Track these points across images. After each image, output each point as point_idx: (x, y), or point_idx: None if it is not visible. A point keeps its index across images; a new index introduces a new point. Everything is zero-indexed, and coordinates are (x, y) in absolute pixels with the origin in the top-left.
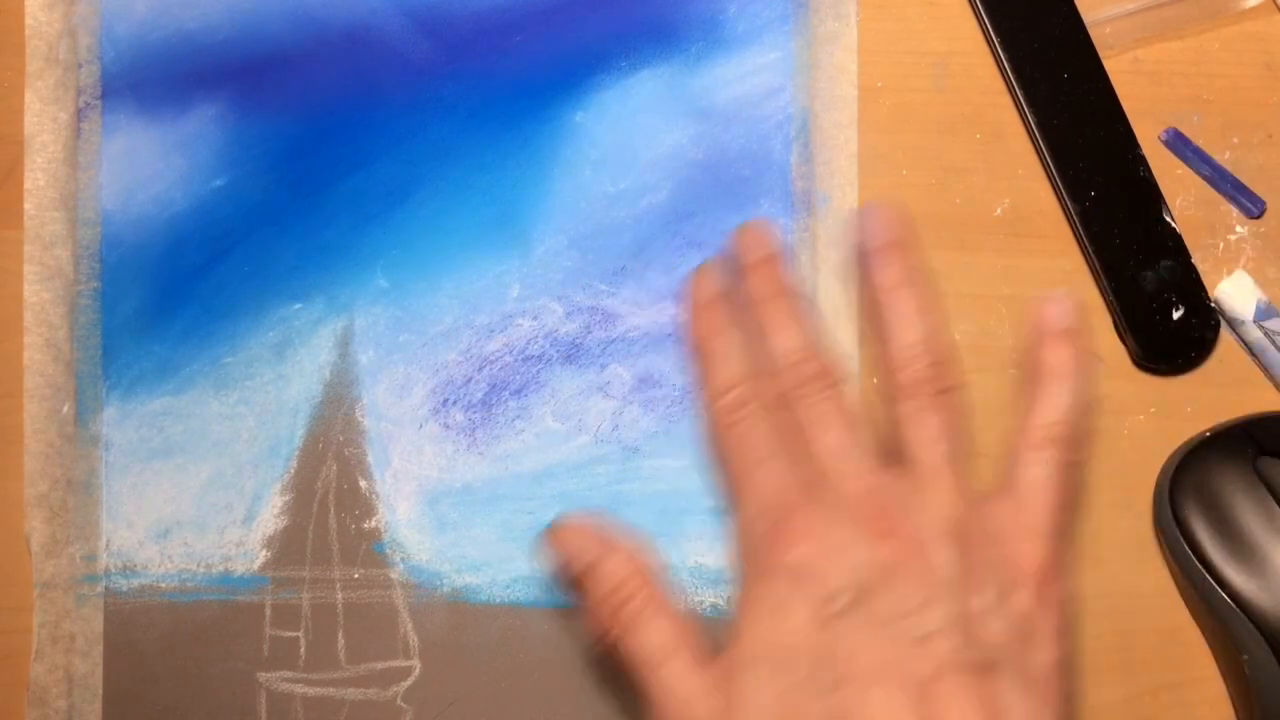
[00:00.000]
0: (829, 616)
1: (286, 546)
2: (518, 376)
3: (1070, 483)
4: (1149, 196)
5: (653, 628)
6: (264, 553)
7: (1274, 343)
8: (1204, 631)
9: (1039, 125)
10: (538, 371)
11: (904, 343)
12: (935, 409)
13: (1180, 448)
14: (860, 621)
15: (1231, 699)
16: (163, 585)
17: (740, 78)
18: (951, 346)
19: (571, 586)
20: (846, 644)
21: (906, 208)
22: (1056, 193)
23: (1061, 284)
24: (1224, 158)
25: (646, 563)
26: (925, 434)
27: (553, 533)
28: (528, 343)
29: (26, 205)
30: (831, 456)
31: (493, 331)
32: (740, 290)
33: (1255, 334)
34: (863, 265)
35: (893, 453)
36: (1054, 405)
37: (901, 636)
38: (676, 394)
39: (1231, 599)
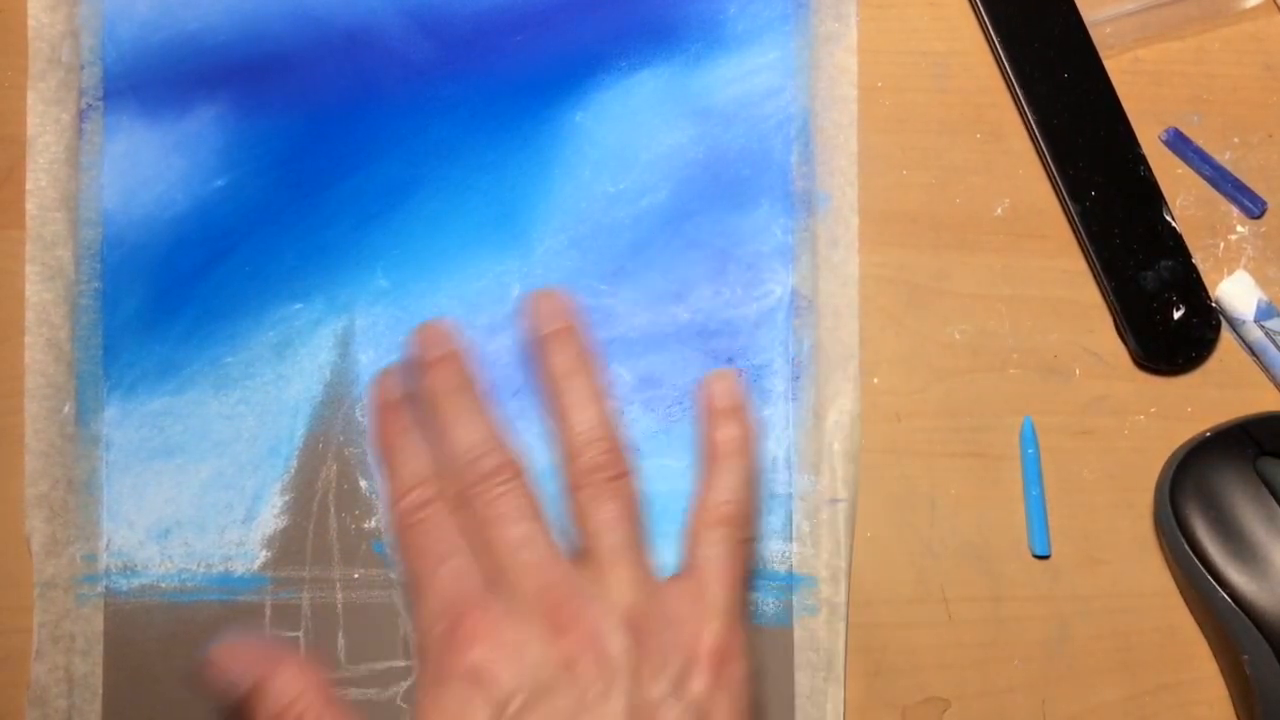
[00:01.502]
0: (507, 719)
1: (286, 546)
2: (518, 376)
3: (744, 560)
4: (1149, 196)
5: None
6: (264, 553)
7: (1274, 342)
8: (1204, 631)
9: (1039, 125)
10: None
11: (576, 430)
12: (609, 496)
13: (1180, 448)
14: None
15: (1231, 699)
16: (163, 585)
17: (740, 78)
18: (623, 433)
19: (237, 711)
20: None
21: (570, 296)
22: (1056, 193)
23: (1061, 284)
24: (1224, 158)
25: (311, 675)
26: (600, 521)
27: (211, 662)
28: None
29: (28, 205)
30: (511, 551)
31: (493, 331)
32: (422, 390)
33: (1255, 334)
34: (533, 352)
35: (571, 544)
36: (724, 484)
37: None
38: (676, 394)
39: (1231, 599)
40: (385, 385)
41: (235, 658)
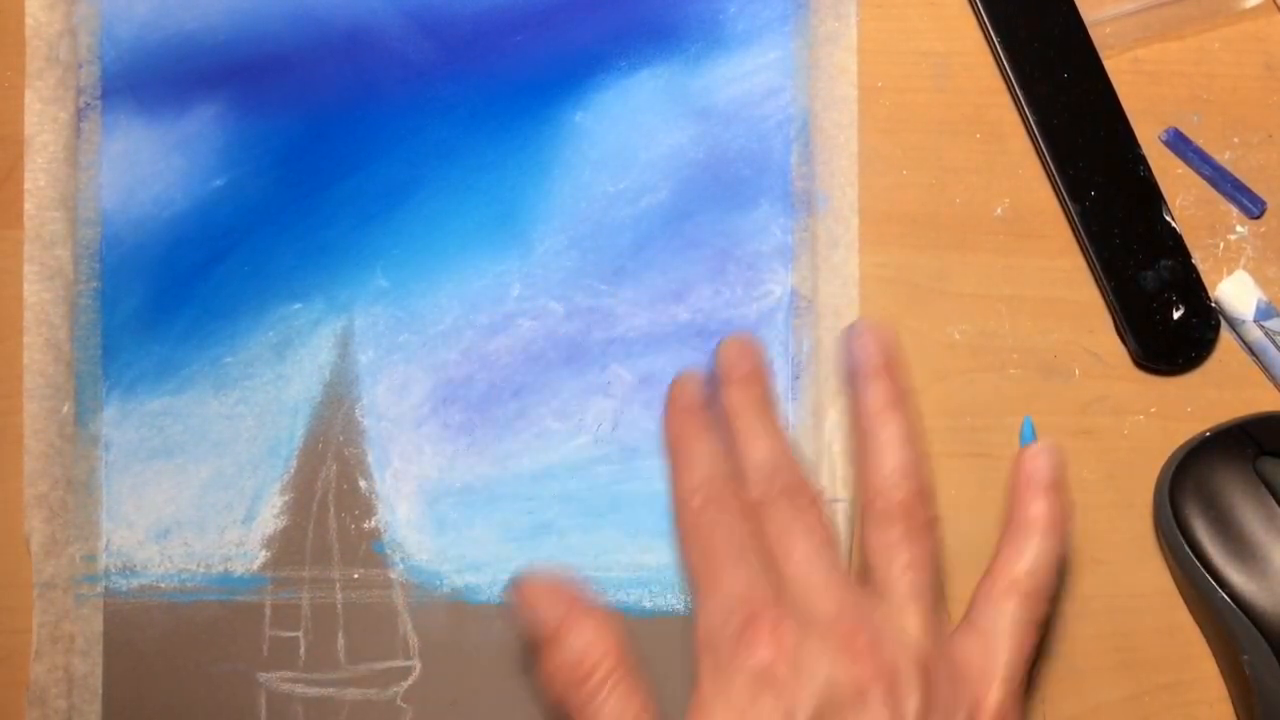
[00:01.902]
0: None
1: (286, 546)
2: (518, 376)
3: (1033, 637)
4: (1149, 196)
5: (611, 703)
6: (264, 553)
7: (1274, 342)
8: (1204, 631)
9: (1039, 125)
10: (538, 371)
11: (887, 469)
12: (913, 539)
13: (1180, 448)
14: None
15: (1231, 699)
16: (163, 585)
17: (740, 78)
18: (932, 478)
19: (534, 646)
20: None
21: (893, 329)
22: (1056, 193)
23: (1061, 284)
24: (1224, 158)
25: (615, 635)
26: (901, 562)
27: (518, 587)
28: (528, 343)
29: (27, 205)
30: (805, 570)
31: (493, 331)
32: (720, 403)
33: (1255, 334)
34: (850, 385)
35: (862, 577)
36: (1032, 556)
37: None
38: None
39: (1231, 599)
40: (684, 386)
41: (541, 596)
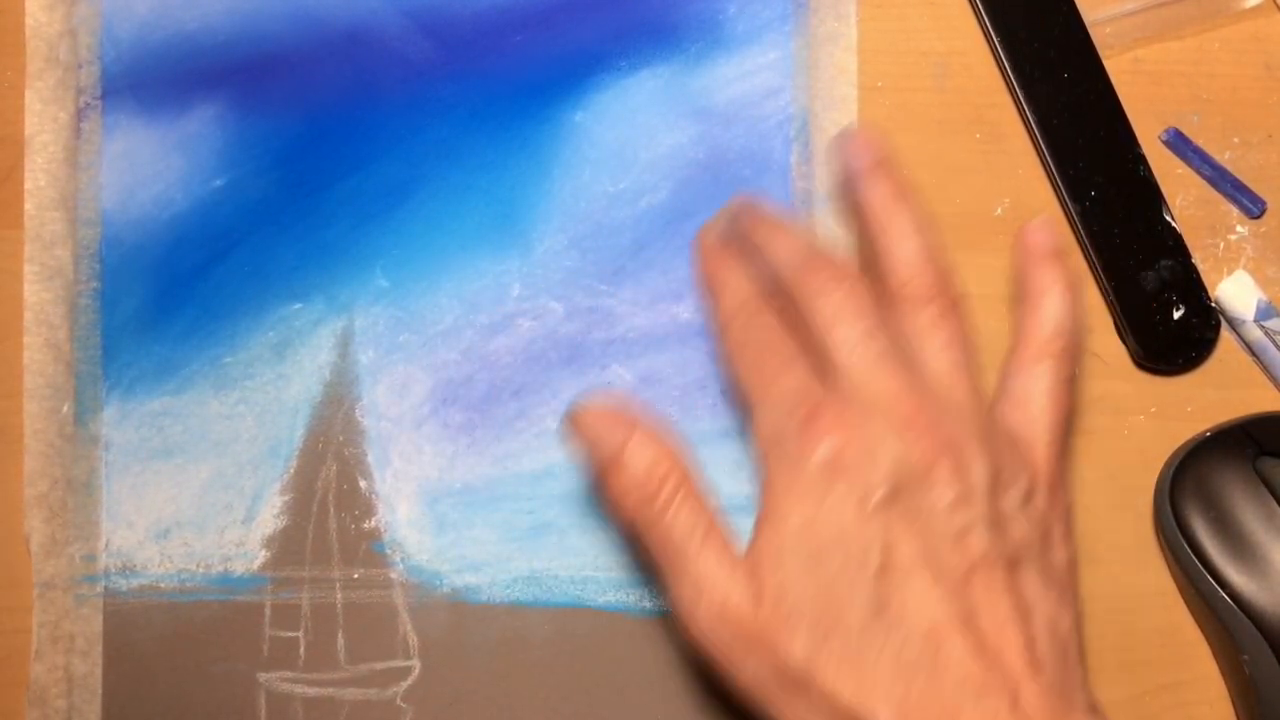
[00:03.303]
0: (868, 508)
1: (286, 546)
2: (518, 376)
3: (1070, 394)
4: (1149, 196)
5: (683, 513)
6: (264, 553)
7: (1274, 343)
8: (1204, 631)
9: (1039, 125)
10: (538, 371)
11: (905, 257)
12: (946, 318)
13: (1180, 448)
14: (897, 515)
15: (1231, 699)
16: (163, 585)
17: (740, 78)
18: (949, 261)
19: (597, 473)
20: (884, 536)
21: (885, 133)
22: (1056, 193)
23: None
24: (1224, 158)
25: (675, 446)
26: (939, 341)
27: (575, 417)
28: (528, 343)
29: (27, 205)
30: (857, 357)
31: (493, 331)
32: (750, 231)
33: (1255, 334)
34: (850, 188)
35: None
36: (1049, 319)
37: (938, 532)
38: (676, 394)
39: (1231, 599)
40: (710, 229)
41: (597, 422)
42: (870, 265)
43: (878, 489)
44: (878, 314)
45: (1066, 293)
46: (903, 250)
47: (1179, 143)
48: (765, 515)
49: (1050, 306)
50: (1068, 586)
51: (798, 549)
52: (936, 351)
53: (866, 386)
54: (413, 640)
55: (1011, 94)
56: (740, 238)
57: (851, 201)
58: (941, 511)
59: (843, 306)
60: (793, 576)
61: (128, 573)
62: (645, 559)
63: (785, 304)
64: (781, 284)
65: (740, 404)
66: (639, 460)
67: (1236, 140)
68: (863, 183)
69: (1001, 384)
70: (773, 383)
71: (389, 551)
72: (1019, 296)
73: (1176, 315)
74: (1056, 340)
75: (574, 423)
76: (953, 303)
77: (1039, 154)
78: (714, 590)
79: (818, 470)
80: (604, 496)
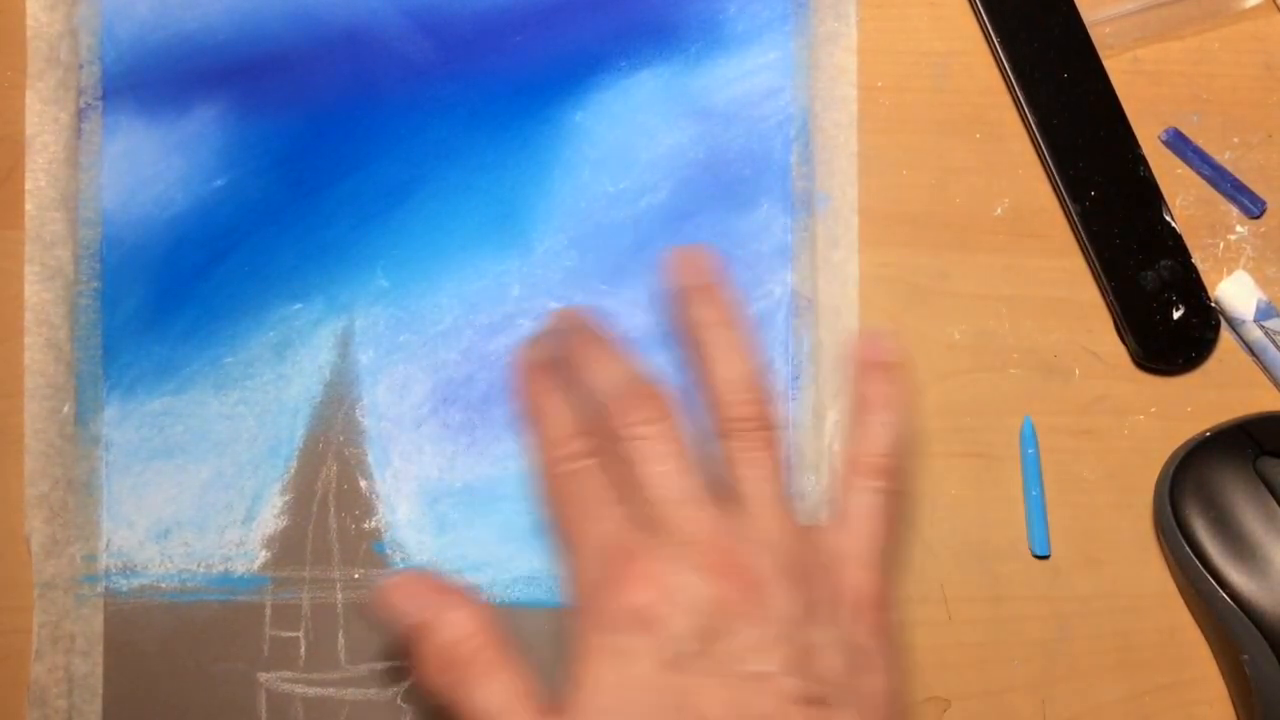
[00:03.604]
0: (674, 661)
1: (286, 546)
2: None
3: (895, 511)
4: (1149, 196)
5: (492, 684)
6: (264, 553)
7: (1274, 342)
8: (1204, 631)
9: (1039, 125)
10: None
11: (729, 379)
12: (763, 445)
13: (1180, 448)
14: (704, 664)
15: (1231, 699)
16: (163, 585)
17: (740, 78)
18: (770, 386)
19: (408, 643)
20: (691, 687)
21: (713, 254)
22: (1056, 193)
23: (1061, 284)
24: (1224, 158)
25: (486, 619)
26: (756, 472)
27: (385, 589)
28: None
29: (27, 205)
30: (664, 496)
31: (493, 331)
32: (565, 350)
33: (1255, 334)
34: (675, 303)
35: (719, 487)
36: (877, 437)
37: (744, 677)
38: (676, 394)
39: (1231, 599)
40: (528, 353)
41: (407, 593)
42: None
43: (683, 641)
44: (691, 450)
45: (894, 410)
46: (726, 372)
47: (1179, 143)
48: (575, 674)
49: (876, 424)
50: (887, 715)
51: (606, 709)
52: (755, 480)
53: (678, 530)
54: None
55: (1011, 94)
56: (563, 358)
57: (674, 317)
58: (747, 655)
59: (656, 445)
60: None
61: (128, 573)
62: None
63: (604, 439)
64: (600, 415)
65: (557, 543)
66: (445, 629)
67: (1236, 140)
68: (688, 301)
69: (834, 500)
70: (585, 531)
71: (389, 551)
72: (852, 406)
73: (1176, 315)
74: (882, 457)
75: (385, 595)
76: (772, 432)
77: (1039, 154)
78: None
79: (624, 626)
80: (415, 666)
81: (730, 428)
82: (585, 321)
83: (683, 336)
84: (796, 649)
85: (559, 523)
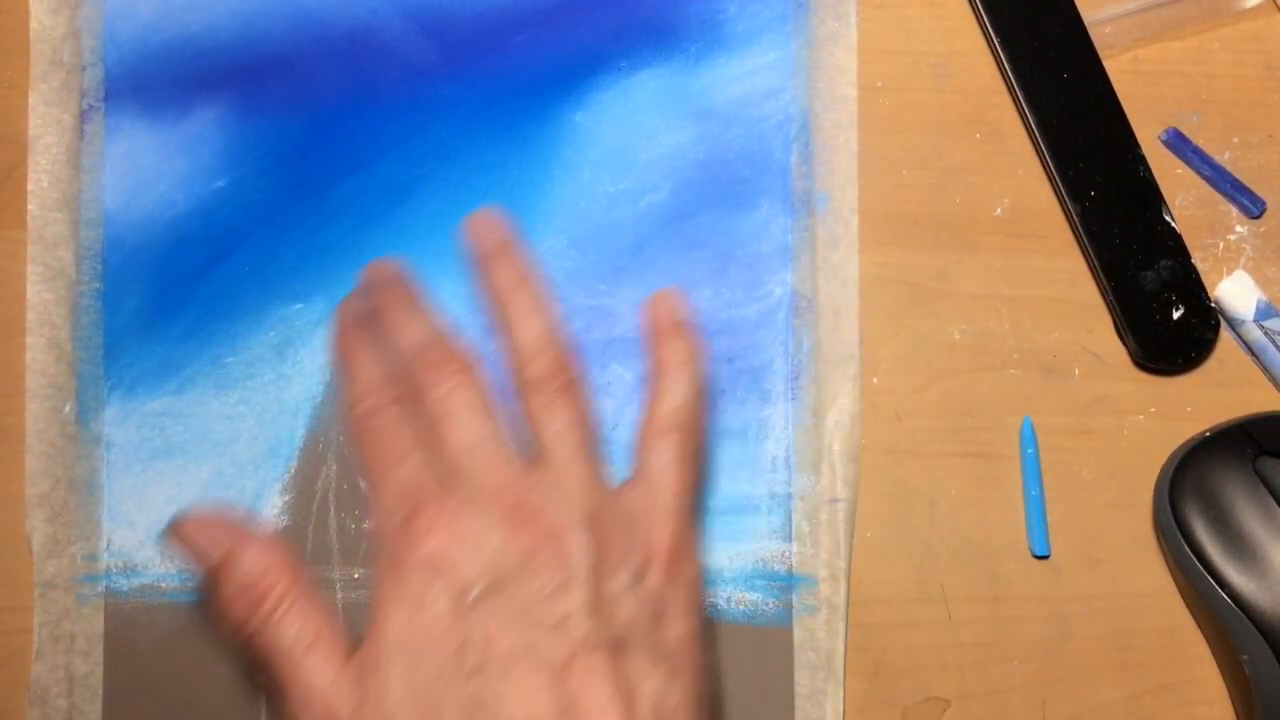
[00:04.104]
0: (465, 606)
1: None
2: None
3: (695, 467)
4: (1149, 196)
5: (291, 620)
6: None
7: (1274, 342)
8: (1204, 631)
9: (1039, 125)
10: None
11: (526, 339)
12: (563, 401)
13: (1180, 448)
14: (496, 609)
15: (1231, 699)
16: (163, 585)
17: (740, 78)
18: (572, 339)
19: (203, 582)
20: (483, 632)
21: (505, 215)
22: (1056, 193)
23: (1061, 284)
24: (1224, 158)
25: (284, 553)
26: (556, 426)
27: (177, 526)
28: None
29: (30, 206)
30: (465, 451)
31: (493, 331)
32: (372, 304)
33: (1255, 334)
34: (477, 270)
35: (524, 444)
36: (672, 394)
37: (538, 622)
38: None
39: (1231, 599)
40: (345, 310)
41: (202, 530)
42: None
43: (475, 585)
44: (490, 402)
45: (689, 365)
46: (523, 332)
47: (1179, 143)
48: (371, 619)
49: (672, 381)
50: (682, 661)
51: (399, 653)
52: (555, 435)
53: (473, 479)
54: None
55: (1011, 94)
56: (374, 315)
57: (478, 284)
58: (541, 601)
59: (455, 397)
60: (393, 681)
61: (129, 572)
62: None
63: (409, 391)
64: (405, 370)
65: (365, 494)
66: (243, 566)
67: (1236, 140)
68: (486, 265)
69: (632, 461)
70: (385, 479)
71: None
72: (648, 367)
73: (1176, 315)
74: (678, 414)
75: (177, 532)
76: (572, 383)
77: (1039, 154)
78: (318, 698)
79: (417, 570)
80: (210, 605)
81: (530, 385)
82: (396, 275)
83: (485, 302)
84: (592, 595)
85: (362, 466)
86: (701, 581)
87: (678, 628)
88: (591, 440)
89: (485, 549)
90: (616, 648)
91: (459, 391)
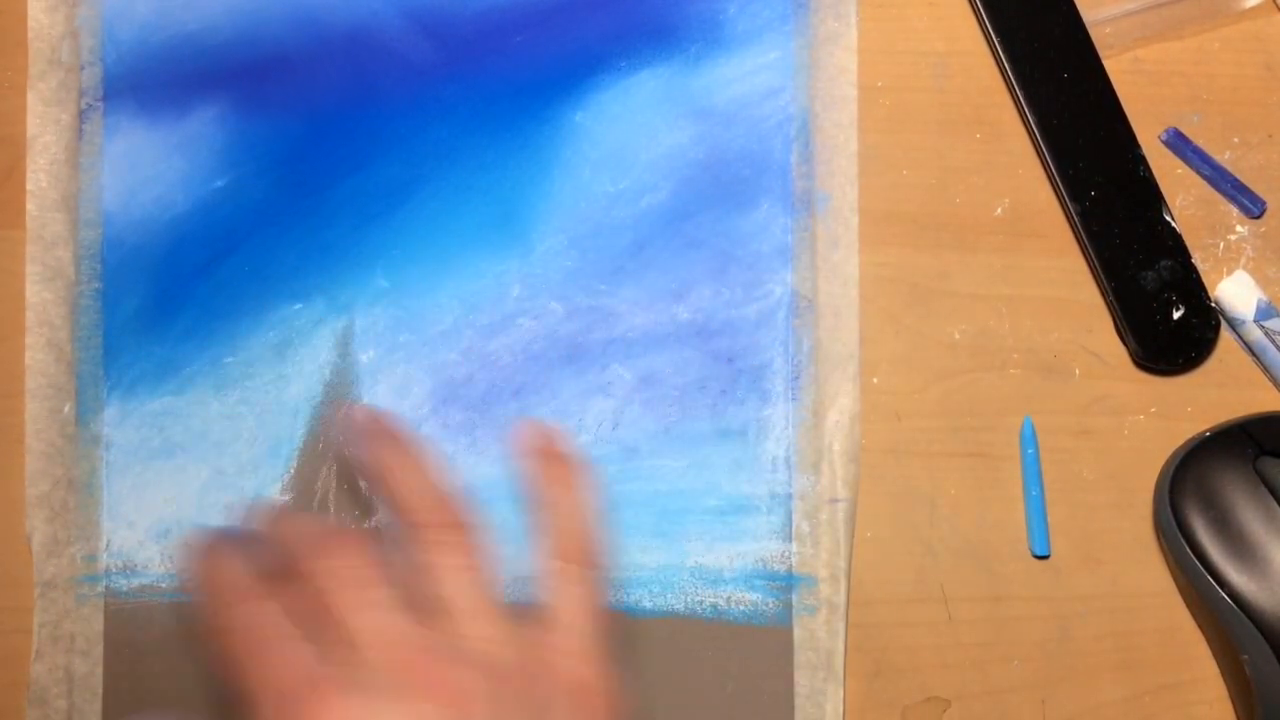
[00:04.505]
0: None
1: None
2: (518, 376)
3: (596, 593)
4: (1149, 196)
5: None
6: None
7: (1274, 342)
8: (1204, 631)
9: (1039, 125)
10: (538, 371)
11: (411, 492)
12: (454, 549)
13: (1180, 448)
14: None
15: (1231, 699)
16: (163, 585)
17: (740, 78)
18: (460, 487)
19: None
20: None
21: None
22: (1056, 193)
23: (1062, 284)
24: (1224, 158)
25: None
26: (451, 576)
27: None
28: (528, 343)
29: (29, 206)
30: (351, 617)
31: (493, 331)
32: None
33: (1255, 334)
34: (359, 449)
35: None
36: (559, 522)
37: None
38: (676, 394)
39: (1231, 599)
40: (197, 535)
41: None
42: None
43: None
44: (383, 569)
45: (565, 491)
46: (403, 493)
47: (1179, 143)
48: None
49: (550, 512)
50: None
51: None
52: (452, 586)
53: (368, 649)
54: None
55: (1011, 94)
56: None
57: (357, 463)
58: None
59: (340, 571)
60: None
61: (128, 572)
62: None
63: (287, 591)
64: (284, 565)
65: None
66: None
67: (1236, 140)
68: (362, 444)
69: (537, 594)
70: (270, 670)
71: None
72: (528, 499)
73: (1176, 315)
74: (566, 542)
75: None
76: (467, 533)
77: (1039, 154)
78: None
79: None
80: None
81: (421, 538)
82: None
83: (369, 479)
84: None
85: (240, 667)
86: (619, 714)
87: None
88: (487, 583)
89: None
90: None
91: (346, 564)
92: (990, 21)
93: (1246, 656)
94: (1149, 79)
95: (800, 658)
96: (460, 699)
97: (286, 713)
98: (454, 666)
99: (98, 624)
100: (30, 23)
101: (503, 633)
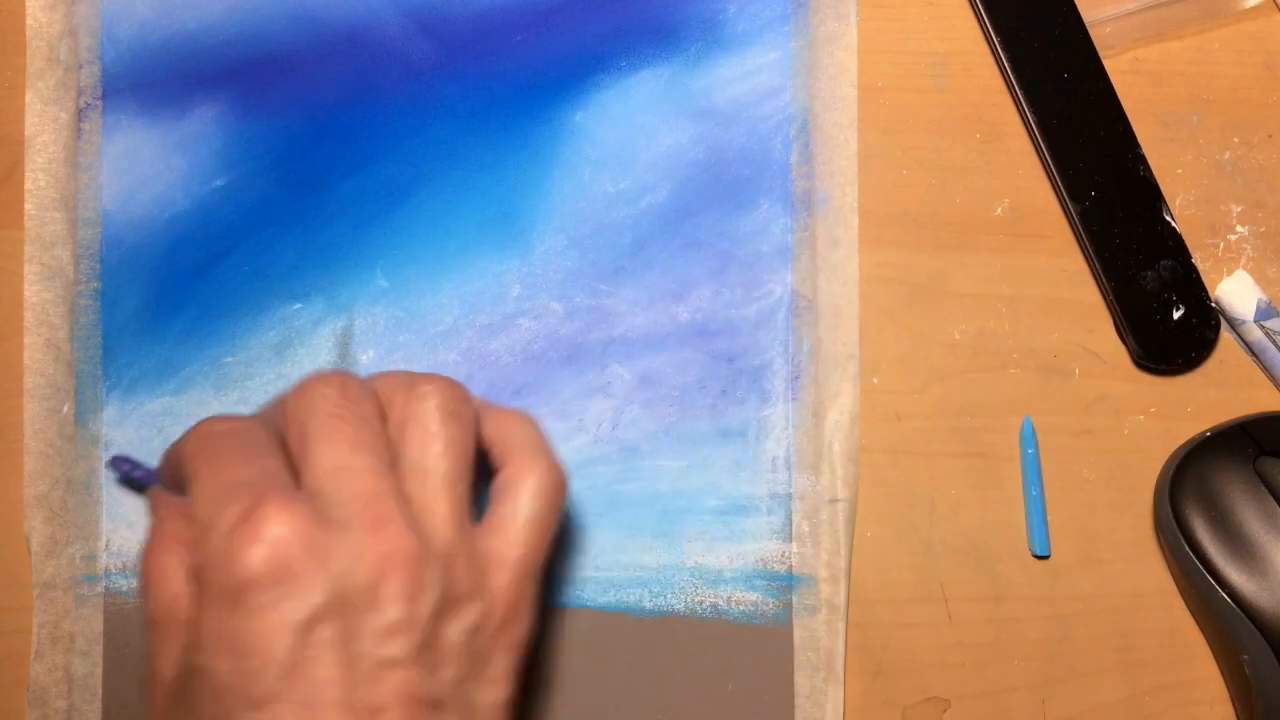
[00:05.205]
0: (298, 624)
1: None
2: (518, 376)
3: (553, 528)
4: (1149, 196)
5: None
6: None
7: (1274, 342)
8: (1204, 631)
9: (1039, 125)
10: (538, 371)
11: (406, 376)
12: (446, 423)
13: (1180, 448)
14: (329, 634)
15: (1231, 699)
16: None
17: (740, 78)
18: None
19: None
20: (305, 658)
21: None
22: (1056, 193)
23: (1061, 284)
24: (1224, 158)
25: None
26: (435, 448)
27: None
28: (528, 343)
29: (27, 205)
30: (327, 473)
31: (493, 331)
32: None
33: (1255, 334)
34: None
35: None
36: (539, 457)
37: (365, 658)
38: (676, 394)
39: (1231, 599)
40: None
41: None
42: None
43: (315, 598)
44: (367, 420)
45: (545, 449)
46: (403, 374)
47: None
48: (195, 643)
49: (534, 452)
50: None
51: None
52: (435, 455)
53: (335, 494)
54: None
55: (1011, 94)
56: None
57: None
58: (376, 636)
59: (318, 404)
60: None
61: (128, 572)
62: None
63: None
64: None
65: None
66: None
67: (1236, 140)
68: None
69: (489, 502)
70: (218, 476)
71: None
72: (493, 453)
73: (1176, 315)
74: (547, 475)
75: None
76: (457, 409)
77: (1039, 154)
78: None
79: (251, 582)
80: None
81: (417, 403)
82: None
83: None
84: (425, 639)
85: (201, 470)
86: (527, 648)
87: (491, 693)
88: (467, 473)
89: (339, 559)
90: (431, 706)
91: (332, 420)
92: (990, 21)
93: (1246, 656)
94: (1149, 79)
95: (800, 658)
96: (414, 564)
97: (243, 503)
98: (408, 529)
99: (97, 624)
100: (29, 21)
101: (463, 522)
